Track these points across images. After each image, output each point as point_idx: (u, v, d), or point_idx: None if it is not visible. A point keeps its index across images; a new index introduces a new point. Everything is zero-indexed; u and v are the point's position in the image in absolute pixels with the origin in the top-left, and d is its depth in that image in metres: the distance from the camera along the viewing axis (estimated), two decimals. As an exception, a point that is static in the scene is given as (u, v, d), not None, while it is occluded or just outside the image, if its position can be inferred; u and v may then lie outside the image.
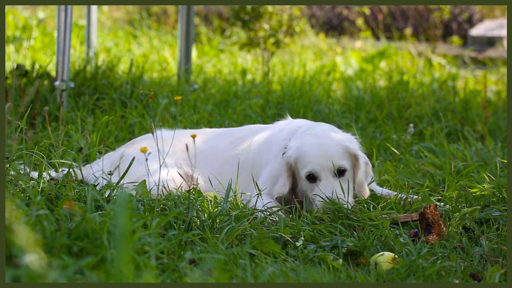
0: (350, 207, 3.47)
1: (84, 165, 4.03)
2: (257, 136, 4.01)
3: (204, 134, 4.16)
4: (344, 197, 3.55)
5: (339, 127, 5.52)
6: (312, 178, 3.65)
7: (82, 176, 3.68)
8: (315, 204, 3.58)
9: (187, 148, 3.62)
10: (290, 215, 3.50)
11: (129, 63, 6.58)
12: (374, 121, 5.74)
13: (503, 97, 7.10)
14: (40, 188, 3.29)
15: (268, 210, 3.48)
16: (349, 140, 3.78)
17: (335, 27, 13.50)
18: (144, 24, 12.68)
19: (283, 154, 3.75)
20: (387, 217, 3.47)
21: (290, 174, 3.71)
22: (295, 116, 5.02)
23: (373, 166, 4.38)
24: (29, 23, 9.84)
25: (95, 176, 3.62)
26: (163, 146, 3.68)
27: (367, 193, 3.73)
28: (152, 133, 3.47)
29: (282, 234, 3.11)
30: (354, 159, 3.69)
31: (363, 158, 3.72)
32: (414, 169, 4.46)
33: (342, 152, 3.66)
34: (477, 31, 12.23)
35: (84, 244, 2.54)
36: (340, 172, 3.63)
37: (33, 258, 2.08)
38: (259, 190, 3.67)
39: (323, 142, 3.69)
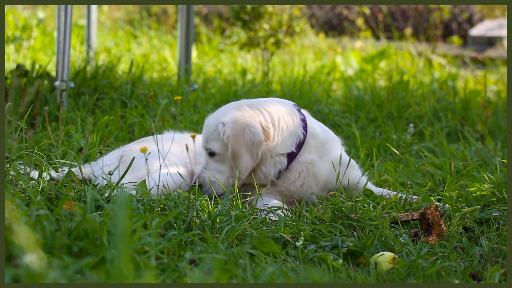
0: (225, 203, 3.40)
1: (89, 163, 4.05)
2: None
3: None
4: (207, 177, 3.63)
5: (339, 127, 5.55)
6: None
7: (83, 176, 3.68)
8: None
9: (187, 148, 3.62)
10: (291, 215, 3.50)
11: (129, 63, 6.59)
12: (374, 121, 5.74)
13: (503, 97, 7.11)
14: (40, 188, 3.29)
15: (268, 209, 3.48)
16: (234, 121, 3.62)
17: (335, 27, 13.50)
18: (144, 24, 12.68)
19: None
20: (387, 217, 3.47)
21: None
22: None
23: (372, 166, 4.38)
24: (29, 23, 9.84)
25: (103, 172, 3.68)
26: (170, 146, 3.76)
27: (240, 167, 3.61)
28: (157, 133, 3.51)
29: (282, 234, 3.11)
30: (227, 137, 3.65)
31: (229, 136, 3.60)
32: (414, 169, 4.46)
33: (215, 134, 3.65)
34: (477, 31, 12.23)
35: (84, 244, 2.54)
36: (211, 153, 3.69)
37: (33, 258, 2.08)
38: (258, 190, 3.67)
39: (208, 121, 3.71)
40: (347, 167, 3.83)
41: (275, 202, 3.64)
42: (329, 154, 3.80)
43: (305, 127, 3.75)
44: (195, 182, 3.68)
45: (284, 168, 3.72)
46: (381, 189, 3.94)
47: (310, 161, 3.75)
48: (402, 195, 3.80)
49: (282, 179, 3.76)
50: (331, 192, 3.72)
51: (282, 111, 3.71)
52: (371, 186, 3.92)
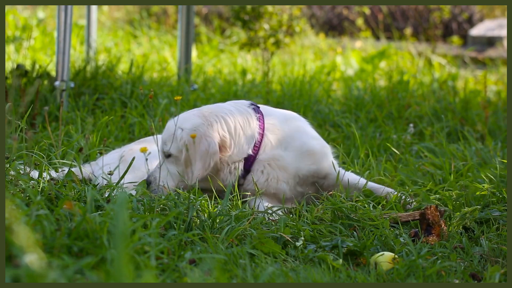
0: (225, 203, 3.41)
1: (89, 163, 4.06)
2: None
3: None
4: (159, 179, 3.65)
5: (339, 127, 5.55)
6: None
7: (83, 176, 3.69)
8: None
9: (187, 149, 3.62)
10: (291, 215, 3.50)
11: (129, 63, 6.58)
12: (374, 121, 5.74)
13: (503, 97, 7.11)
14: (40, 188, 3.29)
15: (269, 209, 3.49)
16: (190, 127, 3.66)
17: (335, 27, 13.50)
18: (144, 24, 12.68)
19: None
20: (387, 217, 3.47)
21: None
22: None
23: (373, 167, 4.38)
24: (29, 23, 9.84)
25: (103, 172, 3.68)
26: (170, 146, 3.74)
27: (188, 177, 3.67)
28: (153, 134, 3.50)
29: (282, 234, 3.11)
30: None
31: (189, 146, 3.64)
32: (414, 169, 4.46)
33: (171, 136, 3.67)
34: (477, 31, 12.23)
35: (84, 244, 2.54)
36: (168, 155, 3.71)
37: (33, 258, 2.08)
38: (257, 189, 3.68)
39: (169, 124, 3.74)
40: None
41: (266, 205, 3.65)
42: (294, 143, 3.79)
43: (261, 126, 3.75)
44: (148, 181, 3.71)
45: (242, 172, 3.74)
46: (357, 178, 3.87)
47: (272, 156, 3.75)
48: (402, 195, 3.80)
49: (246, 182, 3.77)
50: (330, 192, 3.71)
51: (238, 117, 3.74)
52: (350, 176, 3.87)
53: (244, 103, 3.84)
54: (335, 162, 3.90)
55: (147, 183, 3.68)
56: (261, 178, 3.75)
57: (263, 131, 3.75)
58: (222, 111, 3.74)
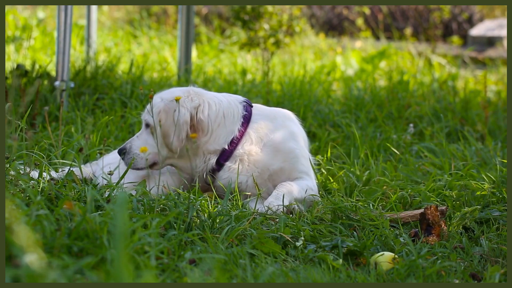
0: (225, 203, 3.42)
1: (89, 163, 4.06)
2: None
3: None
4: (134, 145, 3.71)
5: (339, 127, 5.55)
6: None
7: (83, 176, 3.68)
8: None
9: (187, 150, 3.62)
10: (291, 215, 3.50)
11: (129, 63, 6.59)
12: (374, 121, 5.74)
13: (503, 97, 7.11)
14: (40, 188, 3.29)
15: (270, 210, 3.49)
16: (169, 99, 3.71)
17: (335, 27, 13.50)
18: (144, 24, 12.68)
19: None
20: (387, 217, 3.47)
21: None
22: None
23: (373, 167, 4.38)
24: (29, 23, 9.84)
25: (103, 172, 3.70)
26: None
27: (162, 147, 3.69)
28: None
29: (282, 234, 3.11)
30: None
31: (162, 114, 3.67)
32: (414, 169, 4.46)
33: (155, 110, 3.71)
34: (477, 31, 12.23)
35: (84, 244, 2.54)
36: (146, 125, 3.77)
37: (33, 258, 2.08)
38: (258, 190, 3.68)
39: (155, 95, 3.77)
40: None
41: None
42: (273, 140, 3.80)
43: (244, 123, 3.77)
44: (123, 148, 3.75)
45: (213, 166, 3.75)
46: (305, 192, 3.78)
47: (248, 151, 3.76)
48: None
49: (218, 176, 3.78)
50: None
51: (224, 106, 3.77)
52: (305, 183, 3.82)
53: (237, 98, 3.87)
54: (311, 170, 3.88)
55: (122, 150, 3.73)
56: (232, 173, 3.75)
57: (246, 129, 3.77)
58: (210, 97, 3.79)
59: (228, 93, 6.31)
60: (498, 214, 3.57)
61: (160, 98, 3.73)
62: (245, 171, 3.77)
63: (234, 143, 3.75)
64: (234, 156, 3.76)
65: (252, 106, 3.87)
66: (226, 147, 3.74)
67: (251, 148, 3.77)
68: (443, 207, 3.51)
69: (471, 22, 13.03)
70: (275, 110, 3.97)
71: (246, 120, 3.78)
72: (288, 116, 3.95)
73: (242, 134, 3.76)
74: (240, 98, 3.88)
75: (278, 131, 3.83)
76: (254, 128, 3.80)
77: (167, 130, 3.66)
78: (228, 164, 3.76)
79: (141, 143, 3.72)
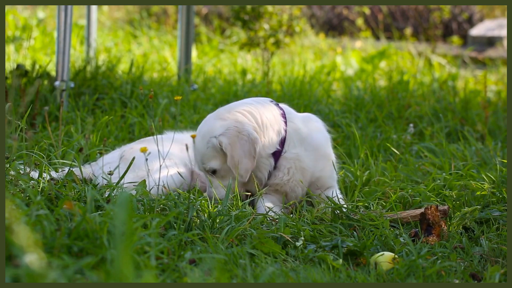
0: (225, 203, 3.40)
1: (89, 163, 4.06)
2: None
3: None
4: (219, 193, 3.58)
5: (339, 126, 5.55)
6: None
7: (83, 176, 3.68)
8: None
9: (187, 149, 3.62)
10: (291, 215, 3.50)
11: (129, 63, 6.59)
12: (374, 121, 5.74)
13: (503, 97, 7.11)
14: (40, 188, 3.29)
15: (270, 210, 3.49)
16: (227, 130, 3.58)
17: (335, 27, 13.50)
18: (144, 24, 12.68)
19: None
20: (387, 217, 3.47)
21: None
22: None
23: (373, 167, 4.38)
24: (29, 23, 9.84)
25: (103, 171, 3.68)
26: (170, 146, 3.76)
27: (242, 171, 3.57)
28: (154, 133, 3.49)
29: (282, 234, 3.11)
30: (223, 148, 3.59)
31: (226, 144, 3.55)
32: (414, 169, 4.46)
33: (210, 151, 3.60)
34: (477, 31, 12.23)
35: (84, 244, 2.54)
36: (212, 171, 3.64)
37: (33, 258, 2.08)
38: (259, 190, 3.67)
39: (196, 143, 3.65)
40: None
41: (269, 204, 3.64)
42: (312, 144, 3.76)
43: (285, 122, 3.72)
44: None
45: (272, 168, 3.70)
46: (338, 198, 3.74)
47: (296, 156, 3.72)
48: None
49: (272, 177, 3.74)
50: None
51: (261, 109, 3.68)
52: (338, 194, 3.80)
53: (266, 99, 3.79)
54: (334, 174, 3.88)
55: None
56: (285, 176, 3.73)
57: (287, 127, 3.71)
58: (241, 105, 3.70)
59: (228, 93, 6.34)
60: (498, 214, 3.57)
61: (213, 137, 3.57)
62: (295, 178, 3.73)
63: (282, 143, 3.69)
64: (285, 158, 3.70)
65: (279, 105, 3.80)
66: (279, 147, 3.68)
67: (297, 151, 3.72)
68: (445, 207, 3.51)
69: (471, 22, 13.03)
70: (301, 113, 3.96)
71: (285, 118, 3.72)
72: (315, 118, 3.92)
73: (286, 133, 3.71)
74: (266, 98, 3.81)
75: (315, 133, 3.80)
76: (293, 128, 3.73)
77: (237, 158, 3.55)
78: (282, 165, 3.71)
79: (232, 182, 3.58)
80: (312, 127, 3.81)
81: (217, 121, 3.63)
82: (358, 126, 5.51)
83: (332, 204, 3.48)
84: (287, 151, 3.70)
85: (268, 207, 3.55)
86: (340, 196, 3.74)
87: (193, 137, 3.54)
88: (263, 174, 3.69)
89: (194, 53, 9.07)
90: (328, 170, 3.79)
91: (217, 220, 3.21)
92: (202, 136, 3.63)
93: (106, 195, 3.31)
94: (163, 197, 3.37)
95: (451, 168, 4.29)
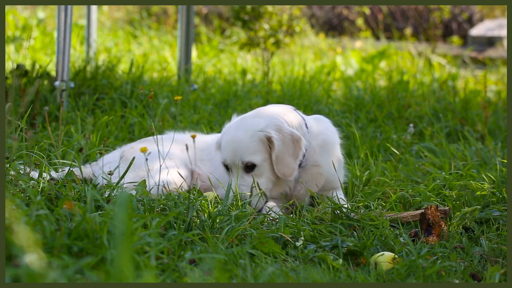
0: (254, 204, 3.41)
1: (89, 163, 4.06)
2: None
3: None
4: (251, 192, 3.54)
5: (339, 126, 5.54)
6: (226, 167, 3.66)
7: (83, 176, 3.68)
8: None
9: (187, 148, 3.62)
10: (291, 215, 3.50)
11: (129, 63, 6.59)
12: (374, 121, 5.74)
13: (503, 97, 7.11)
14: (40, 188, 3.29)
15: (271, 210, 3.49)
16: (272, 125, 3.57)
17: (335, 27, 13.50)
18: (144, 24, 12.68)
19: None
20: (387, 217, 3.47)
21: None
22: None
23: (373, 167, 4.38)
24: (29, 23, 9.84)
25: (103, 171, 3.67)
26: (170, 147, 3.76)
27: (286, 169, 3.56)
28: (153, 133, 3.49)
29: (282, 234, 3.11)
30: (269, 142, 3.56)
31: (277, 139, 3.53)
32: (414, 169, 4.46)
33: (254, 145, 3.55)
34: (477, 31, 12.23)
35: (84, 244, 2.54)
36: (249, 167, 3.58)
37: (33, 258, 2.08)
38: (259, 189, 3.67)
39: (237, 136, 3.59)
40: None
41: (270, 204, 3.64)
42: (329, 153, 3.78)
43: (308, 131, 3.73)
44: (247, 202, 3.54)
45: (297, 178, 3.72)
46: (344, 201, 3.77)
47: (316, 162, 3.73)
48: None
49: (292, 189, 3.75)
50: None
51: (290, 116, 3.68)
52: (340, 195, 3.81)
53: (290, 107, 3.79)
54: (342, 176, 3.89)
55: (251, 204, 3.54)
56: (302, 190, 3.74)
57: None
58: (271, 109, 3.69)
59: (228, 93, 6.34)
60: (498, 214, 3.57)
61: (260, 131, 3.53)
62: (312, 183, 3.74)
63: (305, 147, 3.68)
64: (306, 167, 3.71)
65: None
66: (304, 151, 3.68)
67: (316, 158, 3.72)
68: (446, 208, 3.51)
69: (471, 22, 13.03)
70: (313, 116, 3.96)
71: (307, 128, 3.73)
72: (325, 120, 3.93)
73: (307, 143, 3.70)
74: (289, 106, 3.80)
75: (328, 137, 3.80)
76: (313, 134, 3.73)
77: (282, 156, 3.54)
78: (306, 172, 3.71)
79: (265, 181, 3.57)
80: (326, 131, 3.82)
81: (258, 119, 3.61)
82: (358, 126, 5.51)
83: (332, 204, 3.48)
84: (308, 159, 3.70)
85: (269, 207, 3.55)
86: (340, 196, 3.75)
87: (193, 137, 3.54)
88: (288, 186, 3.70)
89: (194, 53, 9.07)
90: (338, 173, 3.80)
91: (217, 220, 3.21)
92: (246, 129, 3.59)
93: (106, 195, 3.31)
94: (163, 197, 3.37)
95: (451, 168, 4.29)
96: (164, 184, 3.63)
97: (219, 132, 4.96)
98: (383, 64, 9.52)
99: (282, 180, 3.65)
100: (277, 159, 3.54)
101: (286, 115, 3.67)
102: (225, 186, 3.60)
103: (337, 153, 3.84)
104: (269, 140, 3.55)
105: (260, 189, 3.55)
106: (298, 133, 3.59)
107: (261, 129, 3.56)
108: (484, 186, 3.89)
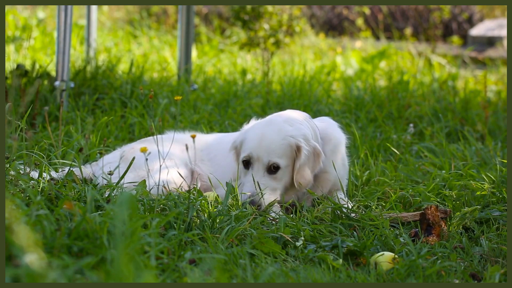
0: (263, 206, 3.43)
1: (90, 163, 4.06)
2: None
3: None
4: (264, 194, 3.52)
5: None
6: (247, 164, 3.63)
7: (83, 176, 3.68)
8: (240, 190, 3.56)
9: (187, 148, 3.62)
10: (291, 215, 3.50)
11: (129, 63, 6.59)
12: (374, 121, 5.74)
13: (503, 97, 7.11)
14: (40, 188, 3.29)
15: (271, 210, 3.49)
16: (301, 135, 3.62)
17: (335, 27, 13.50)
18: (144, 24, 12.69)
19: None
20: (387, 217, 3.47)
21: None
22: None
23: (373, 167, 4.38)
24: (29, 23, 9.84)
25: (103, 171, 3.67)
26: (170, 147, 3.76)
27: (303, 180, 3.61)
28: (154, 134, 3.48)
29: (282, 234, 3.11)
30: (297, 150, 3.61)
31: (306, 150, 3.58)
32: (414, 169, 4.46)
33: (284, 148, 3.58)
34: (477, 31, 12.23)
35: (84, 244, 2.54)
36: (273, 168, 3.59)
37: (33, 258, 2.08)
38: (260, 189, 3.67)
39: (268, 134, 3.61)
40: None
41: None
42: (337, 158, 3.82)
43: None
44: (249, 201, 3.52)
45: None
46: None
47: (325, 169, 3.76)
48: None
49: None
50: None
51: (306, 125, 3.71)
52: (340, 195, 3.84)
53: (306, 115, 3.82)
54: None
55: (253, 205, 3.51)
56: (314, 187, 3.76)
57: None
58: (299, 119, 3.72)
59: (228, 93, 6.34)
60: (498, 214, 3.57)
61: (290, 137, 3.57)
62: (318, 184, 3.77)
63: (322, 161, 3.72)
64: (317, 176, 3.73)
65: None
66: None
67: (326, 164, 3.73)
68: (447, 209, 3.51)
69: (471, 22, 13.03)
70: (320, 118, 3.98)
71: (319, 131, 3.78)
72: (331, 121, 3.96)
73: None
74: (305, 114, 3.83)
75: (338, 142, 3.83)
76: (324, 140, 3.78)
77: (304, 166, 3.59)
78: (314, 184, 3.74)
79: (265, 192, 3.54)
80: (337, 137, 3.84)
81: (288, 125, 3.64)
82: (358, 126, 5.51)
83: (332, 204, 3.48)
84: (321, 167, 3.72)
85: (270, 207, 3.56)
86: (341, 196, 3.76)
87: (193, 137, 3.53)
88: (296, 194, 3.73)
89: (194, 53, 9.07)
90: (342, 175, 3.83)
91: (217, 220, 3.21)
92: (278, 131, 3.61)
93: (106, 195, 3.31)
94: (163, 197, 3.36)
95: (451, 168, 4.29)
96: (164, 184, 3.63)
97: (219, 132, 4.98)
98: (383, 64, 9.52)
99: (294, 189, 3.67)
100: (299, 169, 3.59)
101: (306, 125, 3.72)
102: (225, 187, 3.60)
103: (344, 157, 3.87)
104: (298, 149, 3.59)
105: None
106: (320, 148, 3.64)
107: (292, 136, 3.60)
108: (484, 186, 3.89)
